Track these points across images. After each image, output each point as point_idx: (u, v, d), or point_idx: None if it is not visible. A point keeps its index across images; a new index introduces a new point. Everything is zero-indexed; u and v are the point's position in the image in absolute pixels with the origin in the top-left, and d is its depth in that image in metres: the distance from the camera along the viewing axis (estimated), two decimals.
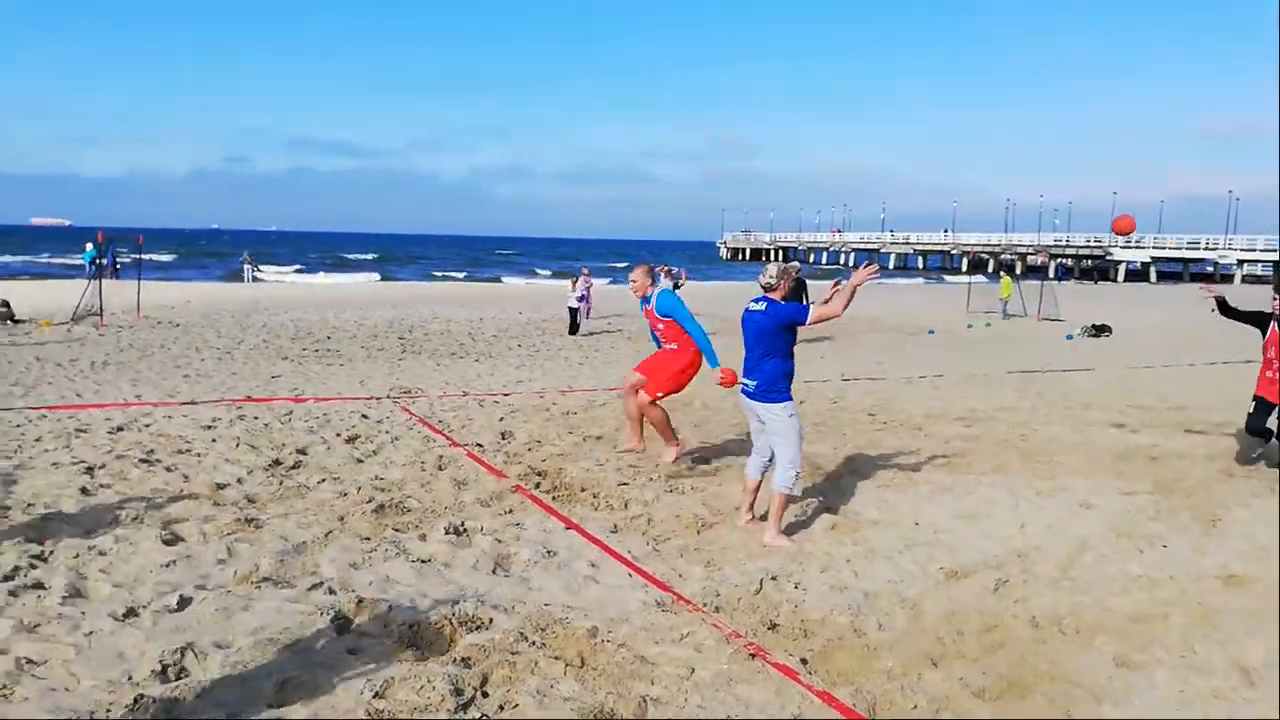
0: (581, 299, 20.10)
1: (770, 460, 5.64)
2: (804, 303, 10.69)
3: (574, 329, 19.71)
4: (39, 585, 4.38)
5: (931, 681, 3.74)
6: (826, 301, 5.67)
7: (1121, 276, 66.72)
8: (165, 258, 63.25)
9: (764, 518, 5.63)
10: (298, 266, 58.98)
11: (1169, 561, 5.22)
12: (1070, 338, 20.65)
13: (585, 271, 21.52)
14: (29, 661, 3.61)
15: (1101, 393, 11.71)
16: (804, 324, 5.45)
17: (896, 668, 3.86)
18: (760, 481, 5.74)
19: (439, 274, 57.79)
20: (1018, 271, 43.61)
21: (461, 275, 56.76)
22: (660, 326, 7.29)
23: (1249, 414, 7.48)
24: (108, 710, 3.28)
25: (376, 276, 51.02)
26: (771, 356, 5.44)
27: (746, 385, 5.57)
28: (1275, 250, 64.05)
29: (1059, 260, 71.82)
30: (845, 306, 5.41)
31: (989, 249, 77.61)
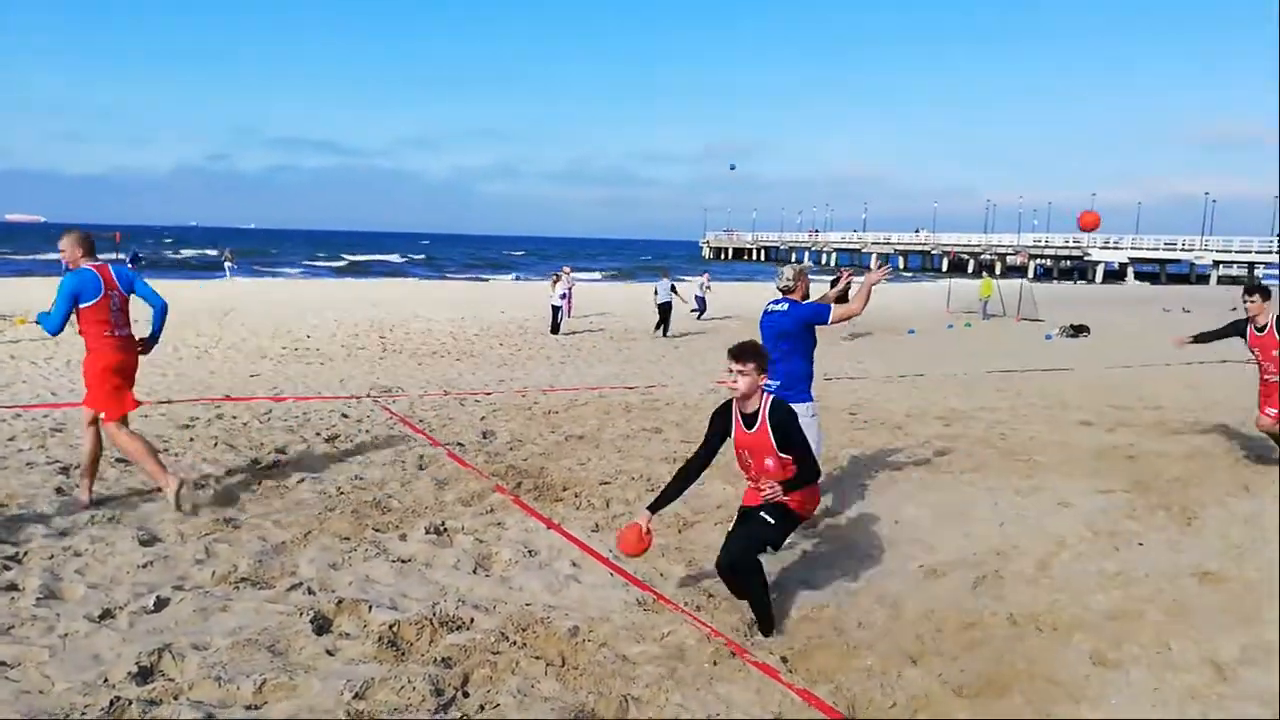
0: (563, 297, 20.07)
1: None
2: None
3: (555, 328, 19.68)
4: (13, 587, 4.33)
5: (911, 679, 3.76)
6: (838, 300, 5.79)
7: (1099, 277, 67.35)
8: (185, 253, 61.94)
9: None
10: (300, 269, 56.84)
11: (1145, 559, 5.27)
12: (1049, 338, 20.84)
13: (566, 270, 21.48)
14: (1, 664, 3.57)
15: (1080, 392, 11.81)
16: (826, 323, 5.52)
17: (876, 665, 3.88)
18: None
19: (478, 276, 53.88)
20: (997, 272, 43.93)
21: (511, 276, 53.49)
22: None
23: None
24: (83, 713, 3.24)
25: (413, 280, 46.61)
26: (792, 357, 5.51)
27: (767, 385, 5.61)
28: (1251, 251, 64.83)
29: (1038, 261, 72.43)
30: (864, 305, 5.52)
31: (969, 249, 78.20)
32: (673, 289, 20.27)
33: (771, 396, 4.22)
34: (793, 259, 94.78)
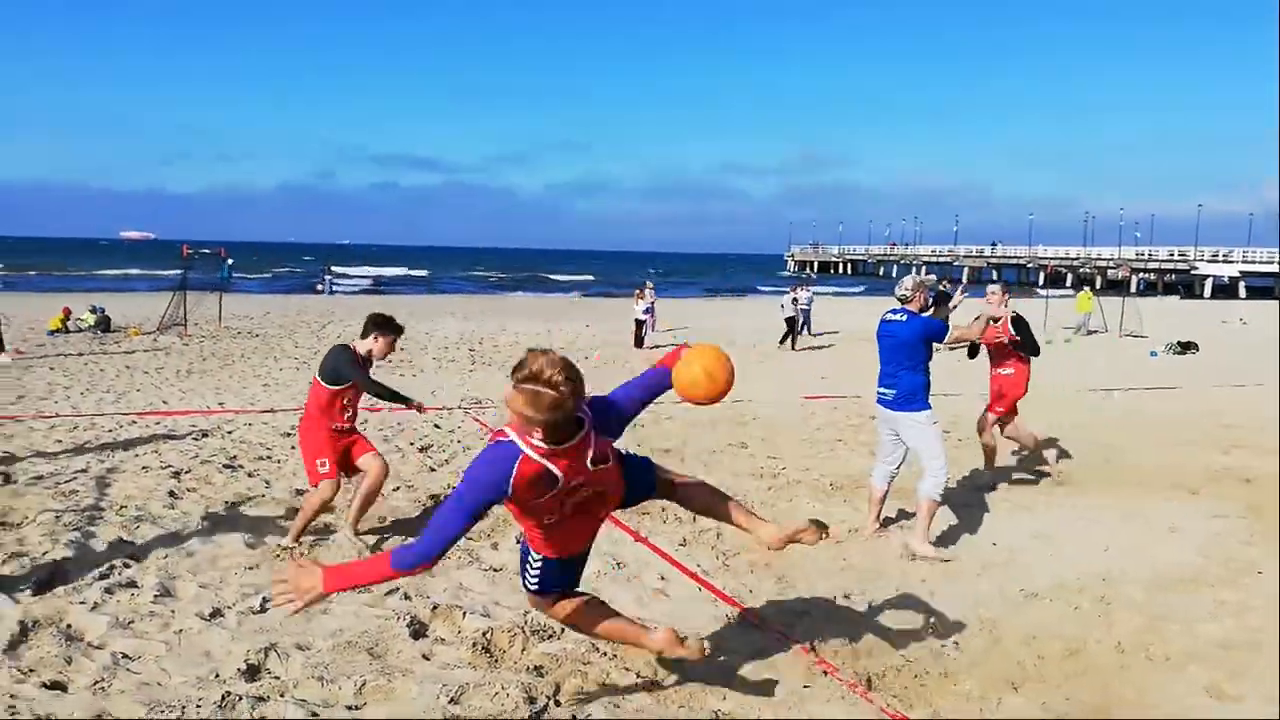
0: (647, 312, 20.14)
1: (897, 470, 5.75)
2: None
3: (640, 342, 19.76)
4: (132, 584, 4.56)
5: (1012, 706, 3.65)
6: (948, 317, 5.81)
7: (1208, 291, 64.26)
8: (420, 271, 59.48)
9: (887, 524, 5.90)
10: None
11: (1263, 587, 5.00)
12: (1154, 354, 19.96)
13: (650, 285, 21.55)
14: (124, 656, 3.77)
15: (1188, 412, 11.28)
16: (941, 342, 5.53)
17: (975, 690, 3.77)
18: (886, 491, 5.85)
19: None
20: (1098, 286, 42.27)
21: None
22: None
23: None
24: (198, 706, 3.39)
25: (576, 294, 46.75)
26: (911, 368, 5.52)
27: (884, 395, 5.61)
28: None
29: (1141, 274, 69.53)
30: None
31: (1067, 263, 75.60)
32: (794, 302, 20.11)
33: None
34: (880, 272, 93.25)
